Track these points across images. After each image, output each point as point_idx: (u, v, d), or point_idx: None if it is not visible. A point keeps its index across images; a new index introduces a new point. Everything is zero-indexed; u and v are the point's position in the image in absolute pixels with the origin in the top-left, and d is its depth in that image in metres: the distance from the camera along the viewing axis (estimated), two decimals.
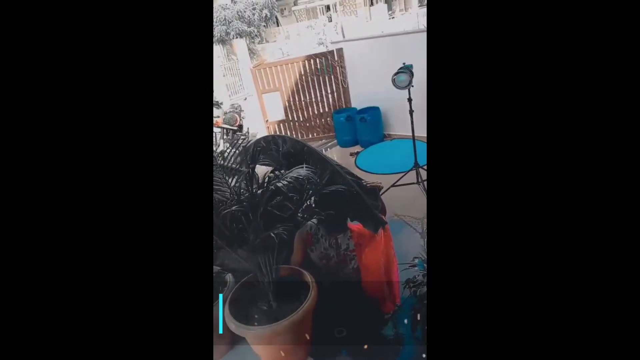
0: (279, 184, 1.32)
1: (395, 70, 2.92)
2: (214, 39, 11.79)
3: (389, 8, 17.58)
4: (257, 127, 5.82)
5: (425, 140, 4.29)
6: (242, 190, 1.46)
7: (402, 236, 2.92)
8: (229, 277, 1.70)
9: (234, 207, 1.33)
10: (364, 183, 1.71)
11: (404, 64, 2.95)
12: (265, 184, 1.43)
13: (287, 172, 1.41)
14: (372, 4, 16.87)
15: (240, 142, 1.53)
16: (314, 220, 1.71)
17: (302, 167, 1.39)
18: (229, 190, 1.52)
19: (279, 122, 5.45)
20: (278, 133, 5.46)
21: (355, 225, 1.70)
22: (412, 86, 2.89)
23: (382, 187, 1.80)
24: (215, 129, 5.44)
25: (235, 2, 12.19)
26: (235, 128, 5.65)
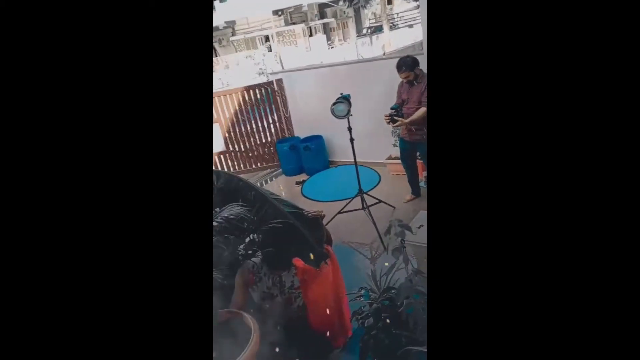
0: None
1: (334, 100, 3.04)
2: None
3: (328, 38, 18.55)
4: None
5: (367, 166, 4.47)
6: None
7: (351, 263, 2.95)
8: None
9: None
10: (306, 213, 1.72)
11: (341, 94, 3.09)
12: None
13: (220, 210, 1.37)
14: (311, 34, 17.68)
15: None
16: (256, 258, 1.68)
17: (236, 205, 1.36)
18: None
19: (219, 153, 5.35)
20: (219, 164, 5.36)
21: (300, 261, 1.68)
22: (351, 115, 3.02)
23: (324, 216, 1.81)
24: None
25: None
26: None
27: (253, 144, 5.30)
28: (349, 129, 3.11)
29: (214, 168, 5.22)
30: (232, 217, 1.32)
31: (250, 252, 1.76)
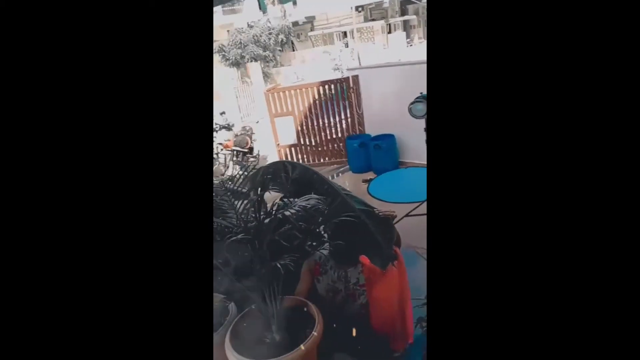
0: (287, 213, 1.33)
1: (412, 100, 2.97)
2: (229, 62, 12.24)
3: (407, 36, 18.05)
4: (268, 150, 5.93)
5: None
6: (249, 217, 1.48)
7: (416, 268, 2.87)
8: (232, 306, 1.68)
9: (239, 236, 1.34)
10: (377, 212, 1.71)
11: (421, 93, 3.01)
12: (273, 212, 1.43)
13: (296, 200, 1.42)
14: (390, 31, 17.35)
15: (249, 164, 1.55)
16: (324, 250, 1.70)
17: (312, 196, 1.40)
18: (235, 217, 1.54)
19: (291, 145, 5.53)
20: (289, 157, 5.54)
21: (367, 259, 1.68)
22: None
23: (396, 216, 1.79)
24: (225, 151, 5.56)
25: (251, 27, 12.71)
26: (246, 150, 5.78)
27: (323, 138, 5.38)
28: (426, 130, 3.02)
29: (285, 159, 5.41)
30: (309, 206, 1.36)
31: (315, 243, 1.80)
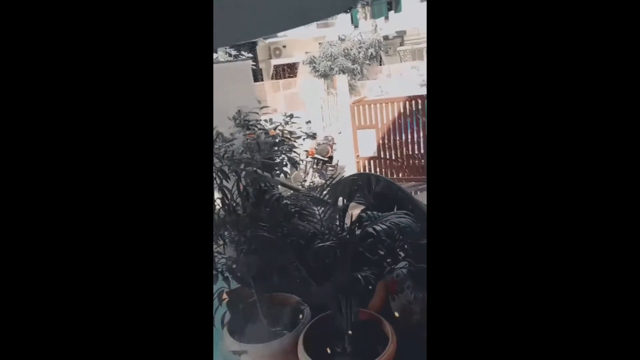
0: (378, 228, 1.32)
1: None
2: (318, 73, 12.70)
3: None
4: (346, 161, 6.00)
5: None
6: (334, 225, 1.51)
7: None
8: (307, 310, 1.73)
9: (328, 242, 1.37)
10: None
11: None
12: (359, 224, 1.45)
13: (386, 215, 1.41)
14: None
15: (329, 174, 1.58)
16: (404, 269, 1.67)
17: (406, 215, 1.38)
18: (320, 223, 1.58)
19: (370, 158, 5.53)
20: (367, 169, 5.54)
21: None
22: None
23: None
24: (307, 158, 5.77)
25: (342, 40, 13.05)
26: (326, 159, 5.93)
27: (404, 153, 5.29)
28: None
29: (363, 171, 5.43)
30: (402, 224, 1.34)
31: (391, 260, 1.77)
